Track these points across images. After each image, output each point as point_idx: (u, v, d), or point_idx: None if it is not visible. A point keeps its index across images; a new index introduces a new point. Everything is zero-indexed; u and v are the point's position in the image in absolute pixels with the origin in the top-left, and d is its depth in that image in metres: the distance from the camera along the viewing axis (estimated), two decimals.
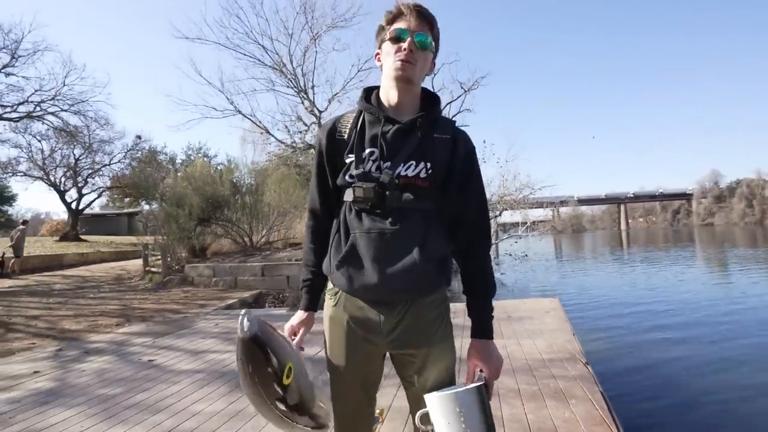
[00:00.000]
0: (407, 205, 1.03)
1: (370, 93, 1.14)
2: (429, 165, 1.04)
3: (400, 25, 1.05)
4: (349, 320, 1.08)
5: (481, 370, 1.05)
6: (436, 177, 1.05)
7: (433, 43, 1.08)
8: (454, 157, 1.07)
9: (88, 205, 24.05)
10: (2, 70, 15.93)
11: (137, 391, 3.05)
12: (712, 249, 23.90)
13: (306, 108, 10.41)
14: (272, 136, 10.78)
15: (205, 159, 22.76)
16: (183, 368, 3.60)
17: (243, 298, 7.50)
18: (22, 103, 17.29)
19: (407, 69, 1.04)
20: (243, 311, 0.93)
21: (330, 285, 1.13)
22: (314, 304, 1.17)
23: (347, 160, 1.07)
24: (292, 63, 10.32)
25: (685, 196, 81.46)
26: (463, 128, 1.15)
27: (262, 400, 0.94)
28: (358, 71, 10.54)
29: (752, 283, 10.80)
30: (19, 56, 16.12)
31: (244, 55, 10.26)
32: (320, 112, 10.38)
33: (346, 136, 1.09)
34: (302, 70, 10.36)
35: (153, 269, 10.38)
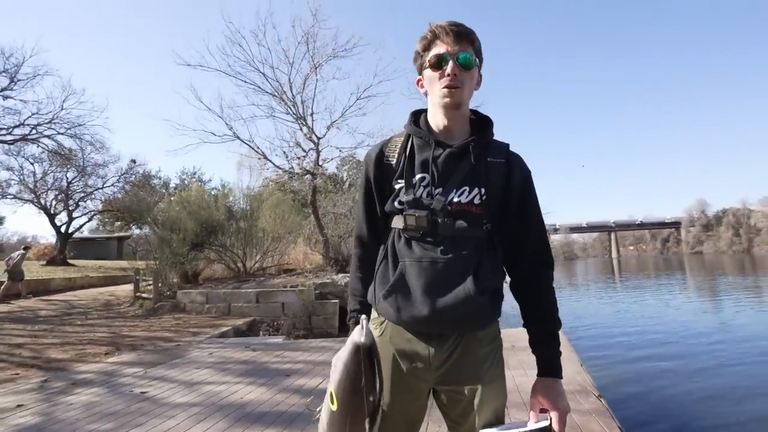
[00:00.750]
0: (460, 233, 0.99)
1: (418, 116, 1.12)
2: (483, 191, 1.01)
3: (439, 49, 1.02)
4: (396, 353, 1.02)
5: (543, 410, 0.99)
6: (491, 203, 1.02)
7: (477, 59, 1.05)
8: (510, 182, 1.04)
9: (78, 228, 23.64)
10: (0, 93, 15.94)
11: (130, 426, 2.88)
12: (702, 277, 24.05)
13: (305, 134, 10.52)
14: (269, 161, 10.82)
15: (200, 183, 22.69)
16: (178, 401, 3.43)
17: (237, 326, 7.30)
18: (17, 126, 17.22)
19: (455, 95, 1.02)
20: (363, 317, 0.87)
21: (375, 315, 1.08)
22: None
23: (396, 186, 1.04)
24: (292, 90, 10.50)
25: (674, 225, 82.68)
26: (506, 143, 1.11)
27: (361, 413, 0.85)
28: (357, 99, 10.71)
29: (738, 312, 10.84)
30: (19, 80, 16.19)
31: (245, 82, 10.47)
32: (319, 138, 10.48)
33: (394, 162, 1.06)
34: (302, 97, 10.54)
35: (144, 295, 10.11)
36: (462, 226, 0.99)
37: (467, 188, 1.01)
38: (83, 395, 3.68)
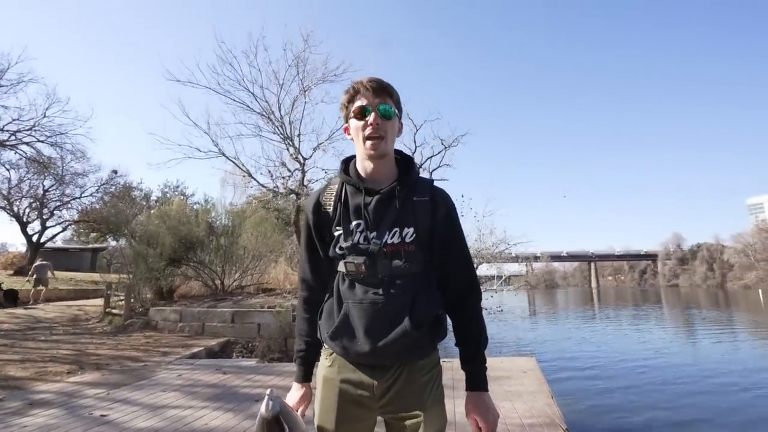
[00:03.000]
0: (397, 271, 1.07)
1: (348, 164, 1.19)
2: (412, 230, 1.09)
3: (361, 102, 1.11)
4: (343, 382, 1.10)
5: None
6: (421, 239, 1.10)
7: (396, 110, 1.15)
8: (435, 218, 1.12)
9: (51, 238, 22.98)
10: None
11: None
12: (678, 310, 24.52)
13: (291, 155, 10.55)
14: (254, 179, 10.78)
15: (182, 197, 22.36)
16: (139, 425, 3.30)
17: (209, 347, 7.11)
18: None
19: (378, 146, 1.10)
20: (268, 390, 0.98)
21: (325, 347, 1.16)
22: (309, 375, 1.19)
23: (335, 233, 1.12)
24: (280, 111, 10.55)
25: (651, 257, 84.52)
26: (442, 183, 1.23)
27: None
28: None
29: (714, 345, 11.08)
30: (1, 86, 15.95)
31: (234, 100, 10.47)
32: (305, 159, 10.53)
33: (330, 209, 1.14)
34: (290, 118, 10.59)
35: (114, 311, 9.78)
36: (398, 264, 1.07)
37: (398, 229, 1.09)
38: (39, 417, 3.51)
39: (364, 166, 1.15)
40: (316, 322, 1.16)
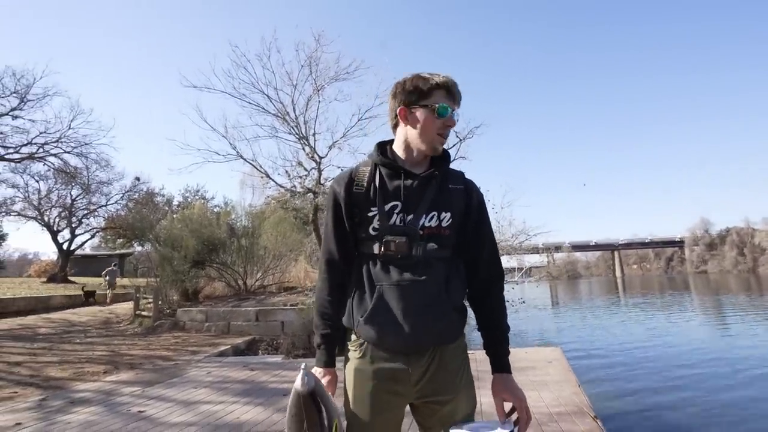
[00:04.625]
0: (432, 254, 1.09)
1: (384, 147, 1.21)
2: (449, 215, 1.12)
3: (445, 101, 1.12)
4: (377, 372, 1.10)
5: (510, 414, 1.07)
6: (456, 225, 1.13)
7: None
8: (469, 206, 1.16)
9: (81, 245, 23.76)
10: (10, 113, 16.28)
11: None
12: (708, 297, 23.81)
13: (307, 154, 10.57)
14: (272, 180, 10.82)
15: (203, 201, 22.85)
16: (175, 420, 3.43)
17: (236, 345, 7.28)
18: (25, 145, 17.54)
19: (443, 145, 1.16)
20: (303, 365, 0.98)
21: (354, 337, 1.14)
22: (334, 360, 1.18)
23: (370, 214, 1.12)
24: (294, 111, 10.56)
25: (678, 244, 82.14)
26: (461, 172, 1.24)
27: None
28: (359, 120, 10.69)
29: (748, 333, 10.70)
30: (28, 100, 16.56)
31: (249, 103, 10.49)
32: (320, 157, 10.54)
33: (364, 189, 1.14)
34: (304, 118, 10.58)
35: (143, 313, 10.10)
36: (433, 248, 1.09)
37: (435, 213, 1.11)
38: (81, 414, 3.69)
39: (407, 152, 1.17)
40: (341, 305, 1.15)
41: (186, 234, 11.29)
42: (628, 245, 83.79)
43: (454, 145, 12.48)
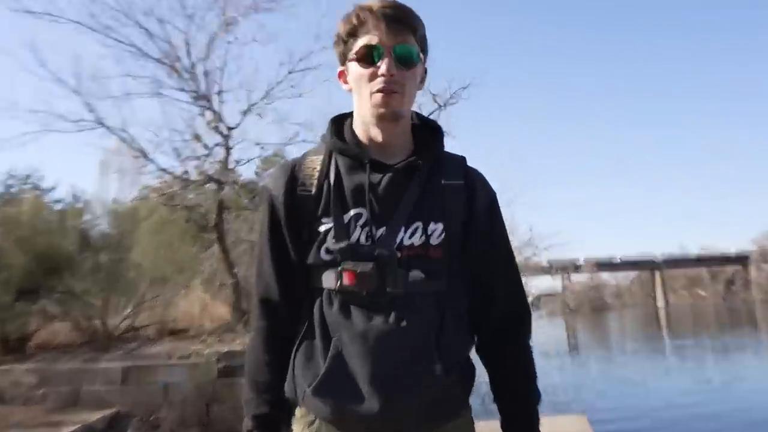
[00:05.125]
0: (417, 288, 1.09)
1: (341, 125, 1.23)
2: (441, 226, 1.14)
3: (368, 39, 1.13)
4: None
5: None
6: (453, 241, 1.15)
7: (420, 51, 1.19)
8: (473, 211, 1.19)
9: None
10: None
11: None
12: None
13: (208, 122, 10.59)
14: (151, 161, 10.80)
15: (38, 193, 21.81)
16: None
17: (89, 424, 7.01)
18: None
19: (392, 103, 1.13)
20: None
21: (300, 412, 1.15)
22: None
23: (321, 227, 1.13)
24: (190, 57, 10.41)
25: (740, 260, 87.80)
26: (461, 156, 1.27)
27: None
28: (290, 72, 10.91)
29: None
30: None
31: (118, 41, 10.25)
32: (230, 129, 10.63)
33: (313, 191, 1.16)
34: (205, 67, 10.48)
35: None
36: (418, 278, 1.09)
37: (420, 224, 1.13)
38: None
39: (368, 130, 1.18)
40: (284, 369, 1.16)
41: (8, 245, 10.74)
42: (673, 263, 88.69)
43: (431, 114, 12.76)
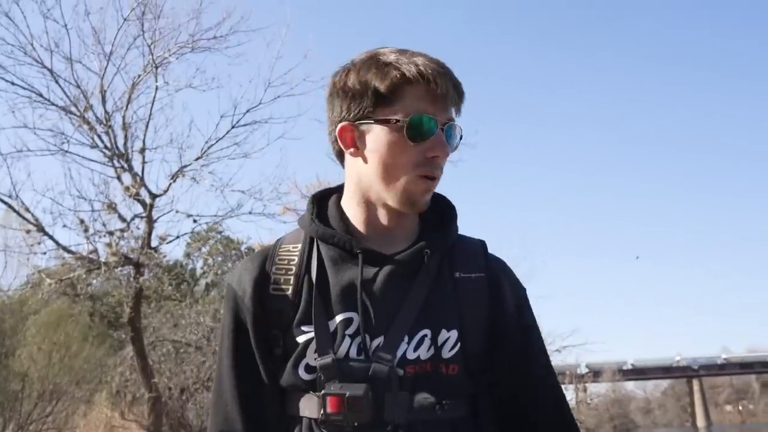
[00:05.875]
0: (425, 416, 1.06)
1: (325, 203, 1.24)
2: (455, 334, 1.11)
3: (421, 106, 1.10)
4: None
5: None
6: (472, 353, 1.13)
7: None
8: (498, 312, 1.17)
9: None
10: None
11: None
12: None
13: (126, 188, 10.43)
14: (49, 237, 10.51)
15: None
16: None
17: None
18: None
19: (432, 191, 1.16)
20: None
21: None
22: None
23: (300, 338, 1.11)
24: (104, 104, 10.48)
25: None
26: (480, 240, 1.27)
27: None
28: (234, 127, 10.97)
29: None
30: None
31: (12, 83, 10.33)
32: (154, 196, 10.46)
33: (289, 290, 1.15)
34: (125, 117, 10.52)
35: None
36: (427, 402, 1.05)
37: (428, 332, 1.10)
38: None
39: (369, 211, 1.18)
40: None
41: None
42: (715, 368, 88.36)
43: None
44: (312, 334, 1.09)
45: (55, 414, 12.07)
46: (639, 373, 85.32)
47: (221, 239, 16.47)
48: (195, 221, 11.13)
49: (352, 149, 1.17)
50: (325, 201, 1.24)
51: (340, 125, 1.17)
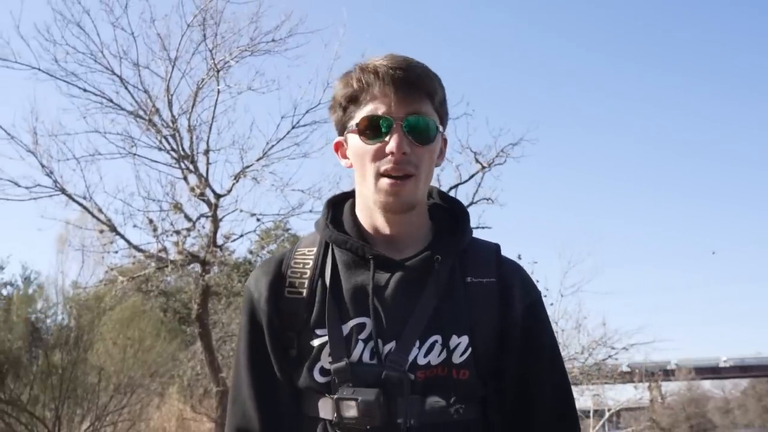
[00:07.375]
0: (436, 419, 1.09)
1: (340, 209, 1.27)
2: (466, 340, 1.14)
3: (373, 107, 1.15)
4: None
5: None
6: (483, 358, 1.16)
7: (438, 122, 1.21)
8: (509, 318, 1.19)
9: None
10: None
11: None
12: None
13: (192, 189, 10.51)
14: (121, 236, 10.64)
15: None
16: None
17: None
18: None
19: (403, 191, 1.15)
20: None
21: None
22: None
23: (315, 342, 1.15)
24: (171, 108, 10.55)
25: None
26: (480, 233, 1.30)
27: None
28: (294, 127, 10.88)
29: None
30: None
31: (84, 90, 10.40)
32: (219, 196, 10.54)
33: (304, 293, 1.19)
34: (190, 121, 10.57)
35: None
36: (438, 406, 1.09)
37: (439, 338, 1.13)
38: None
39: (373, 217, 1.21)
40: None
41: None
42: None
43: (471, 177, 12.55)
44: (326, 338, 1.14)
45: (130, 406, 12.34)
46: (716, 371, 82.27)
47: (288, 237, 16.52)
48: (258, 220, 11.22)
49: (345, 161, 1.25)
50: (340, 206, 1.28)
51: (334, 141, 1.27)
